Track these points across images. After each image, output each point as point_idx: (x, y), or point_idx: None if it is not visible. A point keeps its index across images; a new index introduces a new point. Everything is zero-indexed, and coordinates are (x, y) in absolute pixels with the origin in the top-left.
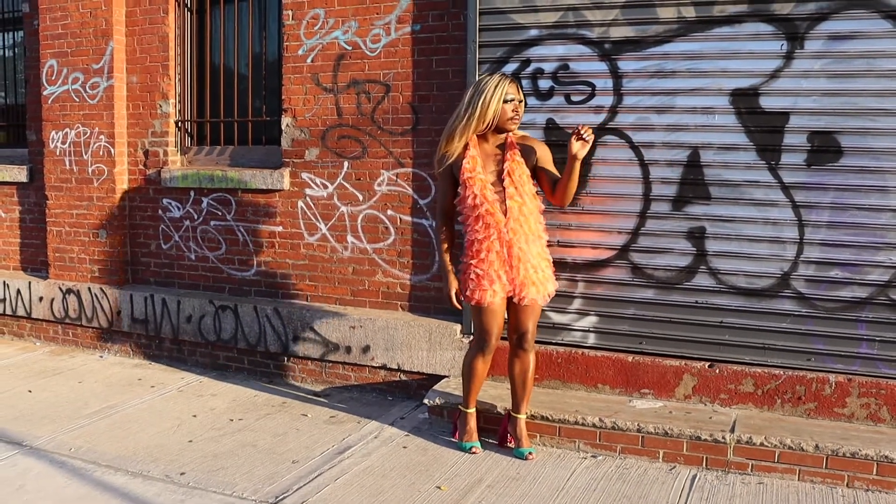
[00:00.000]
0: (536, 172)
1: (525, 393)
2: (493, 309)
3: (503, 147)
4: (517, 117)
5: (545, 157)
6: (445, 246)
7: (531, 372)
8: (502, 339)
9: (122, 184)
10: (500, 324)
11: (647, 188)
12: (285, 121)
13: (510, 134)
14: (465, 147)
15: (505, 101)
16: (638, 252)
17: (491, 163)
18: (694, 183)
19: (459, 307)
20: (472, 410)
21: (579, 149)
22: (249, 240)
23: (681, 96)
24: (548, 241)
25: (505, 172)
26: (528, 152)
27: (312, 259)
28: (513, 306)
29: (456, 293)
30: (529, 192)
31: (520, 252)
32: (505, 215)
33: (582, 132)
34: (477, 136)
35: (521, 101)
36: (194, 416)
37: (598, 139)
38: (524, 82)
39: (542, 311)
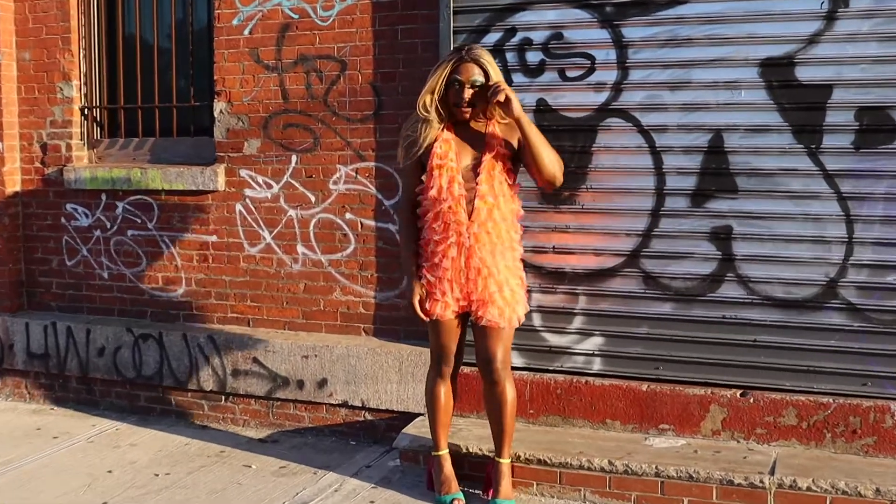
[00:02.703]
0: (523, 157)
1: (503, 432)
2: (445, 325)
3: (484, 136)
4: (462, 106)
5: None
6: (411, 242)
7: (508, 407)
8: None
9: (13, 186)
10: (454, 342)
11: (661, 180)
12: (219, 106)
13: (495, 119)
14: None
15: (450, 86)
16: (651, 258)
17: (467, 153)
18: (717, 173)
19: (425, 318)
20: (444, 453)
21: (514, 105)
22: (176, 253)
23: (699, 68)
24: (541, 249)
25: (481, 167)
26: (510, 138)
27: (255, 275)
28: (475, 328)
29: (421, 300)
30: (506, 192)
31: (480, 263)
32: (470, 217)
33: (499, 92)
34: (455, 121)
35: (473, 85)
36: (109, 471)
37: (600, 123)
38: (509, 56)
39: (537, 331)
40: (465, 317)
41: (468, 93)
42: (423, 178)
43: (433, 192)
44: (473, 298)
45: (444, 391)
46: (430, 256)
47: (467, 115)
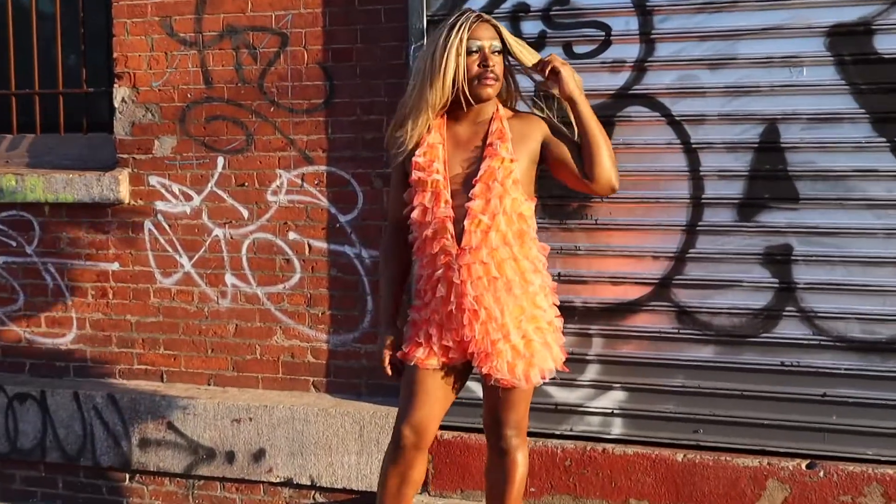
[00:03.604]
0: (550, 157)
1: None
2: (424, 375)
3: (486, 132)
4: (491, 76)
5: (555, 128)
6: (391, 277)
7: (516, 485)
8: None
9: None
10: (433, 403)
11: (698, 187)
12: (120, 93)
13: (498, 109)
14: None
15: (469, 53)
16: (686, 287)
17: (463, 155)
18: (771, 176)
19: (389, 373)
20: None
21: (567, 79)
22: (65, 286)
23: (747, 40)
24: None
25: (478, 175)
26: (527, 133)
27: (170, 313)
28: (482, 384)
29: (390, 350)
30: (513, 206)
31: (474, 304)
32: (459, 244)
33: (549, 64)
34: (446, 114)
35: (499, 51)
36: None
37: (619, 112)
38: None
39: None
40: (461, 372)
41: (495, 59)
42: (405, 196)
43: (415, 214)
44: (475, 348)
45: (394, 476)
46: (417, 294)
47: (492, 93)
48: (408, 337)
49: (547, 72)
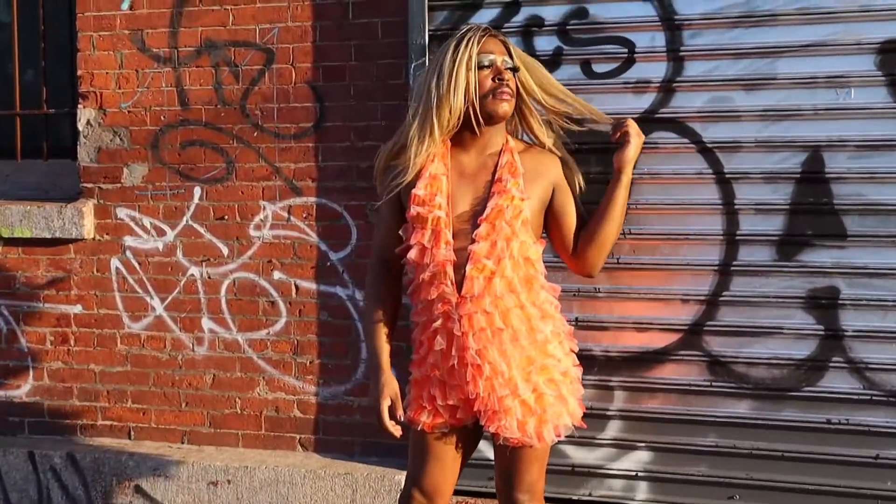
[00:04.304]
0: (550, 209)
1: None
2: (434, 441)
3: (495, 164)
4: (507, 90)
5: (569, 178)
6: (380, 323)
7: None
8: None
9: None
10: (444, 470)
11: (732, 222)
12: (85, 115)
13: (508, 141)
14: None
15: (480, 67)
16: (719, 334)
17: (468, 190)
18: (815, 210)
19: (393, 430)
20: None
21: (631, 152)
22: (20, 331)
23: (788, 58)
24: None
25: (485, 213)
26: (541, 170)
27: (139, 362)
28: (493, 443)
29: (392, 404)
30: (521, 250)
31: (477, 358)
32: (460, 291)
33: (624, 127)
34: (451, 140)
35: (511, 68)
36: None
37: (645, 138)
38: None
39: (555, 444)
40: (472, 432)
41: (508, 74)
42: (404, 230)
43: (412, 255)
44: (481, 406)
45: None
46: (415, 346)
47: (508, 109)
48: (410, 399)
49: (618, 135)
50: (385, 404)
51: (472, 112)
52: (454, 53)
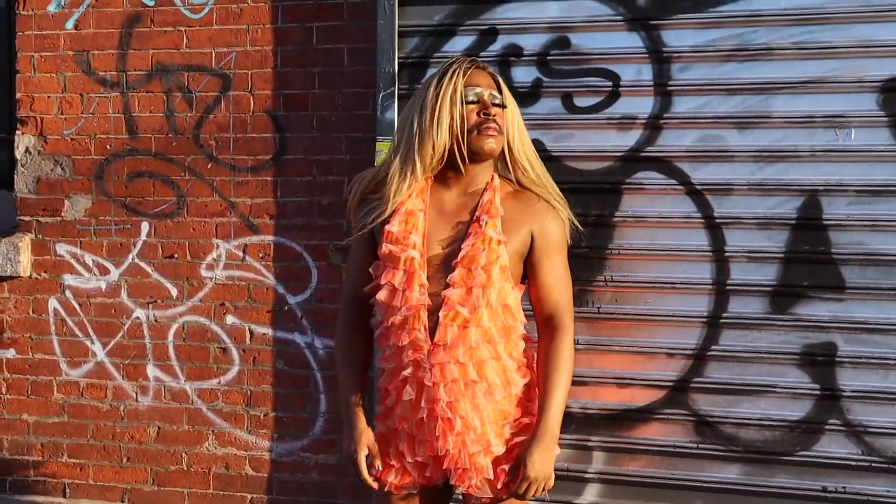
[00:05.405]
0: (529, 263)
1: None
2: (394, 502)
3: (476, 204)
4: (493, 126)
5: (552, 236)
6: (353, 368)
7: None
8: None
9: None
10: None
11: (722, 271)
12: (24, 141)
13: (493, 179)
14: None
15: (466, 102)
16: (707, 392)
17: (446, 229)
18: (812, 259)
19: (372, 483)
20: None
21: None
22: None
23: (783, 95)
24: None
25: (460, 254)
26: (519, 219)
27: (77, 413)
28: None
29: (369, 453)
30: (498, 297)
31: (448, 410)
32: (432, 339)
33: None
34: (434, 176)
35: (499, 104)
36: None
37: (629, 178)
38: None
39: None
40: (442, 492)
41: (496, 110)
42: (374, 268)
43: (382, 295)
44: (449, 463)
45: None
46: (381, 396)
47: (495, 147)
48: (375, 451)
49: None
50: (363, 454)
51: (456, 148)
52: (438, 86)
